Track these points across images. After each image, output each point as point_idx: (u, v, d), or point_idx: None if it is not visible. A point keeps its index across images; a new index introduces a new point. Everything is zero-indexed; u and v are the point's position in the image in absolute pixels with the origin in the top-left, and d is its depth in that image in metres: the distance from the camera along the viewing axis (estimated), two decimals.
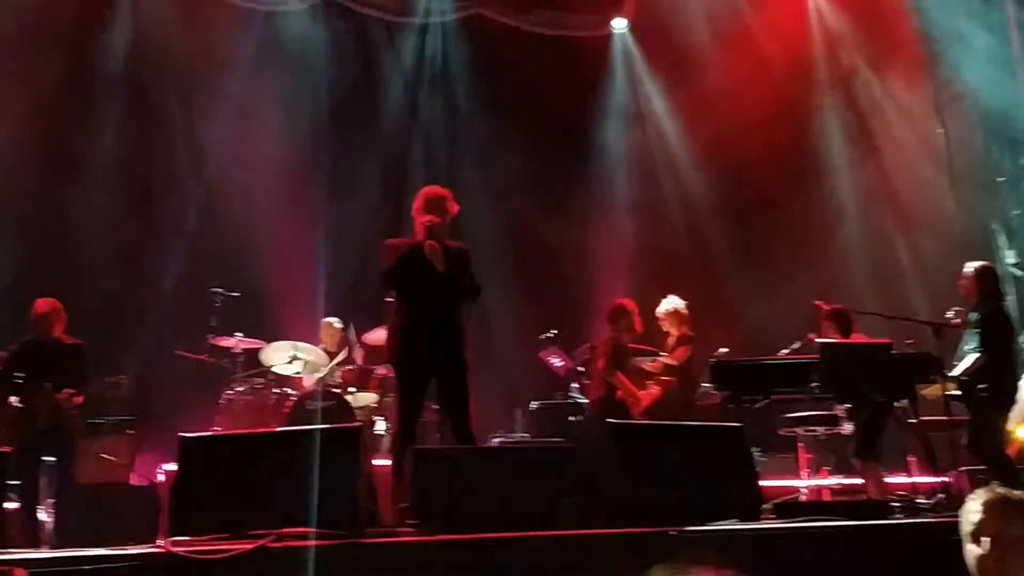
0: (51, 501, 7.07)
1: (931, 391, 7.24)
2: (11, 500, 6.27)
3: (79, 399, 7.00)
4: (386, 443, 7.72)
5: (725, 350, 7.99)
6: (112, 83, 10.44)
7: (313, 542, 3.64)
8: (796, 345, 7.63)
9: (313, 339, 8.97)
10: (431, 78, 11.64)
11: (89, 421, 7.70)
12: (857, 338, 7.29)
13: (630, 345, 7.92)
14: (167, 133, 10.54)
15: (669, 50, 11.70)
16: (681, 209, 11.63)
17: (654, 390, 7.75)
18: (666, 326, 8.32)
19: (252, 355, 8.78)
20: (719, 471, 4.50)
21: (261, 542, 3.49)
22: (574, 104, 11.58)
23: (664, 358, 7.92)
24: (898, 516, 5.26)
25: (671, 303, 8.32)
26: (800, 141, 11.45)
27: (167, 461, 7.76)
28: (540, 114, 11.12)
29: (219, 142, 10.49)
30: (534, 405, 9.17)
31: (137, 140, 10.40)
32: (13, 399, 6.87)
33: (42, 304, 7.13)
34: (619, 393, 7.59)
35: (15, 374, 7.00)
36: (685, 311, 8.25)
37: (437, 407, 6.14)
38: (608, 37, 12.31)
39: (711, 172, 11.53)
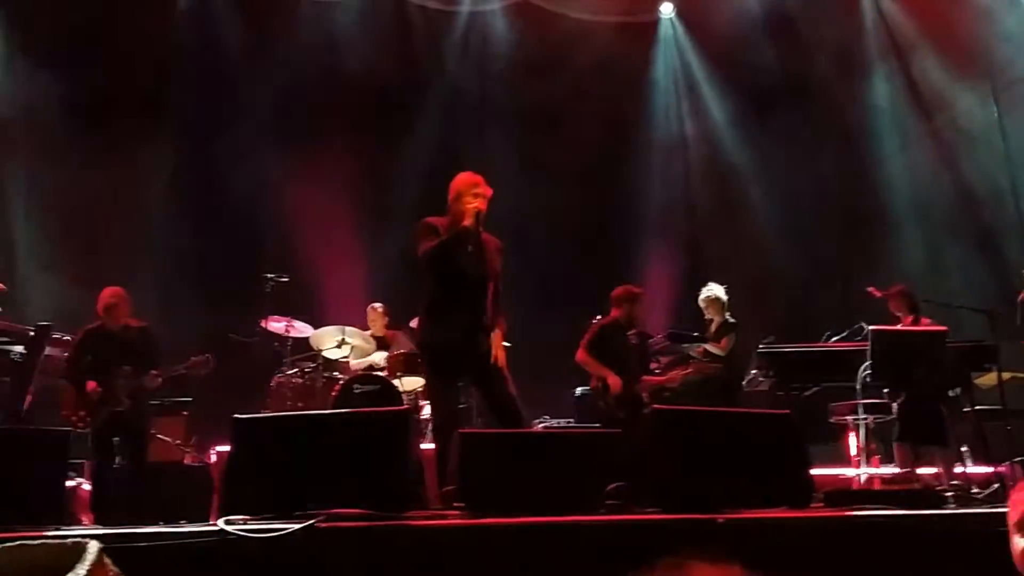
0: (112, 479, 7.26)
1: (985, 380, 7.15)
2: (72, 479, 6.45)
3: (159, 380, 7.17)
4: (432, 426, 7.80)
5: (771, 337, 7.95)
6: (163, 70, 10.62)
7: (362, 523, 3.68)
8: (846, 332, 7.58)
9: (360, 324, 9.08)
10: (477, 66, 11.62)
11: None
12: (923, 324, 7.22)
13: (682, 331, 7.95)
14: (220, 119, 10.67)
15: (716, 34, 11.59)
16: (731, 193, 11.52)
17: (676, 374, 7.70)
18: (708, 313, 8.34)
19: (302, 339, 8.89)
20: (768, 458, 4.46)
21: (311, 522, 3.52)
22: (622, 89, 11.52)
23: (709, 346, 7.89)
24: (951, 506, 5.19)
25: (711, 290, 8.35)
26: (853, 124, 11.32)
27: (220, 442, 7.91)
28: (588, 98, 11.06)
29: (266, 130, 10.62)
30: (579, 391, 9.17)
31: (194, 129, 10.56)
32: (92, 383, 7.05)
33: (109, 292, 7.29)
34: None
35: (87, 361, 7.21)
36: (725, 297, 8.27)
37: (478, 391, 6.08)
38: (655, 23, 12.23)
39: (762, 155, 11.42)
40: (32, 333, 7.81)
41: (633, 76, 11.77)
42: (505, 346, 5.91)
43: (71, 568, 1.22)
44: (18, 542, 1.27)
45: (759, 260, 11.09)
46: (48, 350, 7.98)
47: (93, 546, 1.24)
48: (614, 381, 7.46)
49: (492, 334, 5.61)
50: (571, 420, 9.06)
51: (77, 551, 1.22)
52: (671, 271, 10.12)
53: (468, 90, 11.51)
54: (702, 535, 3.71)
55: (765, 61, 11.20)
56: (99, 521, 6.50)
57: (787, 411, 5.09)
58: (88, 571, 1.19)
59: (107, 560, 1.22)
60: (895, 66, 11.22)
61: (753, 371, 7.35)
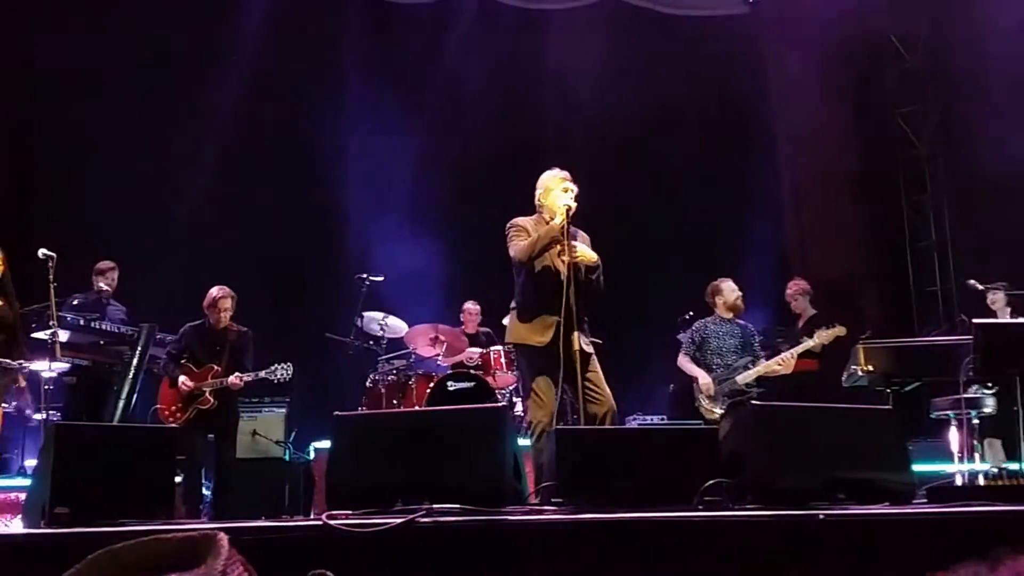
0: (211, 475, 7.51)
1: None
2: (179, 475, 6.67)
3: (239, 384, 7.35)
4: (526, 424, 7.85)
5: (868, 332, 7.80)
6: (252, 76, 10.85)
7: (461, 518, 3.73)
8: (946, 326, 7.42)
9: (453, 322, 9.20)
10: (561, 63, 11.52)
11: (246, 400, 8.08)
12: None
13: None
14: (303, 122, 10.86)
15: (805, 23, 11.32)
16: (832, 188, 11.26)
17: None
18: (795, 307, 8.31)
19: (396, 338, 9.02)
20: (869, 454, 4.40)
21: (411, 517, 3.58)
22: (714, 84, 11.36)
23: (806, 343, 7.78)
24: None
25: (797, 284, 8.32)
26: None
27: (318, 439, 8.11)
28: (680, 94, 10.94)
29: (361, 130, 10.77)
30: (672, 387, 9.13)
31: (279, 135, 10.78)
32: (183, 379, 7.28)
33: (215, 290, 7.50)
34: None
35: (184, 357, 7.45)
36: (811, 291, 8.23)
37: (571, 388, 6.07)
38: (745, 15, 11.99)
39: (855, 149, 11.17)
40: (136, 334, 8.08)
41: (722, 71, 11.57)
42: (596, 342, 5.92)
43: (202, 559, 1.28)
44: (152, 535, 1.34)
45: (853, 253, 10.88)
46: (152, 350, 8.27)
47: (223, 538, 1.29)
48: (704, 382, 7.45)
49: (584, 330, 5.64)
50: (664, 417, 9.03)
51: (207, 543, 1.28)
52: (769, 266, 9.96)
53: (553, 88, 11.47)
54: (803, 532, 3.67)
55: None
56: (191, 515, 6.75)
57: (889, 407, 5.01)
58: (223, 563, 1.24)
59: (235, 551, 1.28)
60: None
61: (853, 367, 7.20)
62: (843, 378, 7.59)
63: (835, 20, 10.62)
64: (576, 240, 5.78)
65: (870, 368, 6.81)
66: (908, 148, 11.56)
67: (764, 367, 7.45)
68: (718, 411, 7.35)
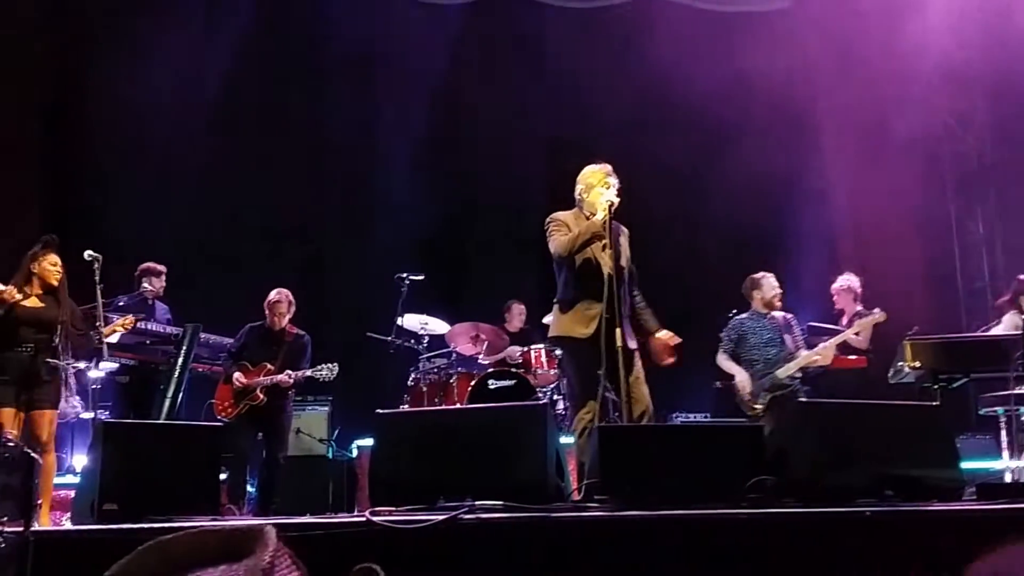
0: (256, 472, 7.60)
1: None
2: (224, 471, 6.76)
3: (288, 381, 7.43)
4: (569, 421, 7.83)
5: (915, 328, 7.70)
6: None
7: (504, 515, 3.73)
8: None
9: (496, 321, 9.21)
10: (603, 64, 11.43)
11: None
12: None
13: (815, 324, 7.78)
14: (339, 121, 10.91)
15: (846, 20, 11.16)
16: (879, 182, 11.08)
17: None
18: (839, 303, 8.21)
19: (437, 336, 9.04)
20: (916, 451, 4.35)
21: (454, 514, 3.59)
22: (758, 80, 11.20)
23: (845, 332, 7.70)
24: None
25: (845, 280, 8.20)
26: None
27: (361, 437, 8.17)
28: (723, 91, 10.82)
29: (402, 128, 10.79)
30: (717, 385, 9.06)
31: (316, 134, 10.84)
32: (237, 375, 7.39)
33: (272, 293, 7.61)
34: None
35: (243, 355, 7.57)
36: (859, 288, 8.11)
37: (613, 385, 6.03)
38: (788, 9, 11.81)
39: (902, 143, 10.99)
40: (180, 335, 8.18)
41: (765, 67, 11.39)
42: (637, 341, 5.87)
43: (250, 551, 1.28)
44: (197, 528, 1.35)
45: (900, 250, 10.73)
46: (196, 349, 8.36)
47: (271, 531, 1.30)
48: (740, 379, 7.37)
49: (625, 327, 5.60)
50: (707, 414, 8.97)
51: (254, 536, 1.29)
52: (818, 263, 9.83)
53: (593, 85, 11.39)
54: (849, 529, 3.64)
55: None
56: (235, 511, 6.84)
57: (936, 403, 4.95)
58: (271, 555, 1.25)
59: (282, 544, 1.28)
60: None
61: (899, 363, 7.11)
62: (889, 375, 7.50)
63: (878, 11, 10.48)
64: (619, 236, 5.75)
65: (917, 364, 6.72)
66: (956, 142, 11.38)
67: (804, 359, 7.34)
68: (759, 406, 7.27)
